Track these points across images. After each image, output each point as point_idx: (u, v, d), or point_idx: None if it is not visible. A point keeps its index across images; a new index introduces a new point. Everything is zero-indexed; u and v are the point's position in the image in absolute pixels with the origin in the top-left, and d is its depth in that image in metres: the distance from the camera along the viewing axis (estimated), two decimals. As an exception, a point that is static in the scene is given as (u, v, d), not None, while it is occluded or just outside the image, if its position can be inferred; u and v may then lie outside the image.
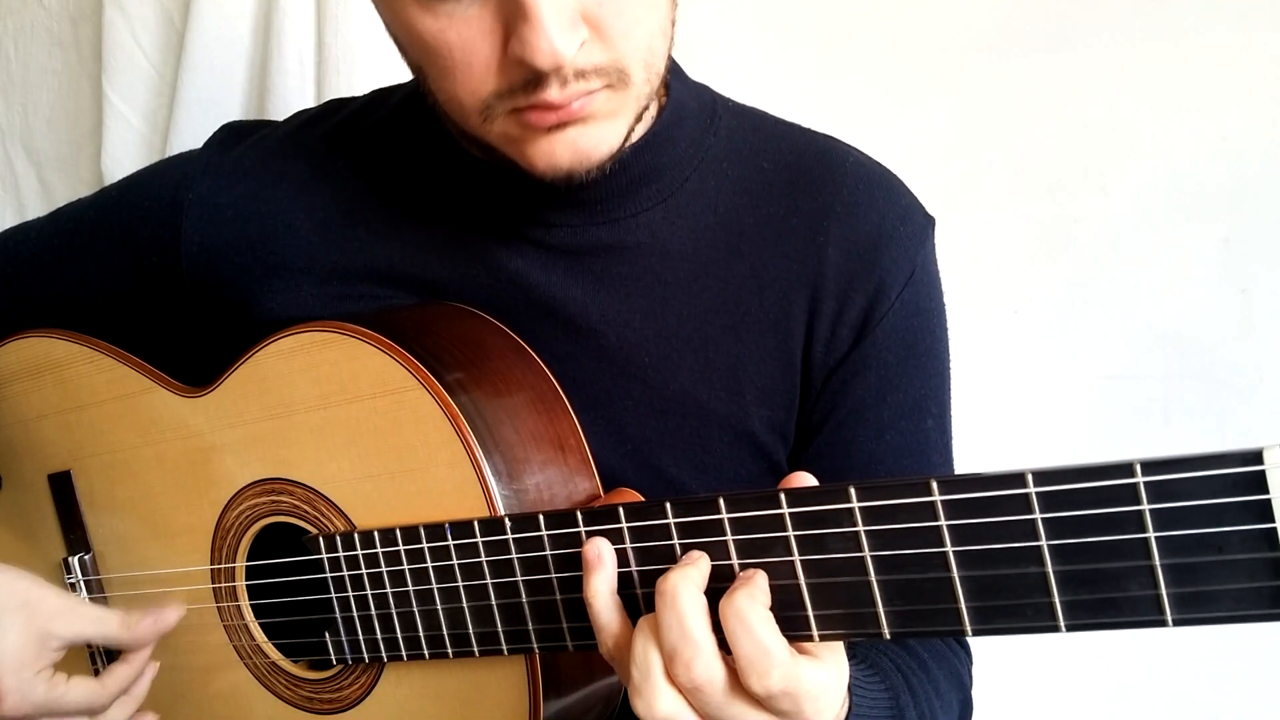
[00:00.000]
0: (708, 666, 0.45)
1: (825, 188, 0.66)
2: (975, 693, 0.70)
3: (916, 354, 0.67)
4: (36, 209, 1.23)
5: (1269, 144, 0.93)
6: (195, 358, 0.72)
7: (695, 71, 0.70)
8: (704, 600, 0.47)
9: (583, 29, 0.52)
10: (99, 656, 0.75)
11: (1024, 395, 1.04)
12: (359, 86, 0.98)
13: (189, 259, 0.70)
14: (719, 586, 0.47)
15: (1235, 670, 1.01)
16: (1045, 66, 0.97)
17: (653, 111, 0.65)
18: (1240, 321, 0.97)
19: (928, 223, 0.69)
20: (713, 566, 0.48)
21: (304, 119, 0.74)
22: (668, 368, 0.66)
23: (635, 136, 0.62)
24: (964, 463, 0.74)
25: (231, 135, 0.74)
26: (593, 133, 0.56)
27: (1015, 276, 1.02)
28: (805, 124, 0.71)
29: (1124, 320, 1.00)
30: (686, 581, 0.46)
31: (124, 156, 1.12)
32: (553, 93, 0.53)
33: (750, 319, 0.65)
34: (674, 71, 0.67)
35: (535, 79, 0.52)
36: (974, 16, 0.98)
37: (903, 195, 0.68)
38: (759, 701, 0.45)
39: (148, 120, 1.13)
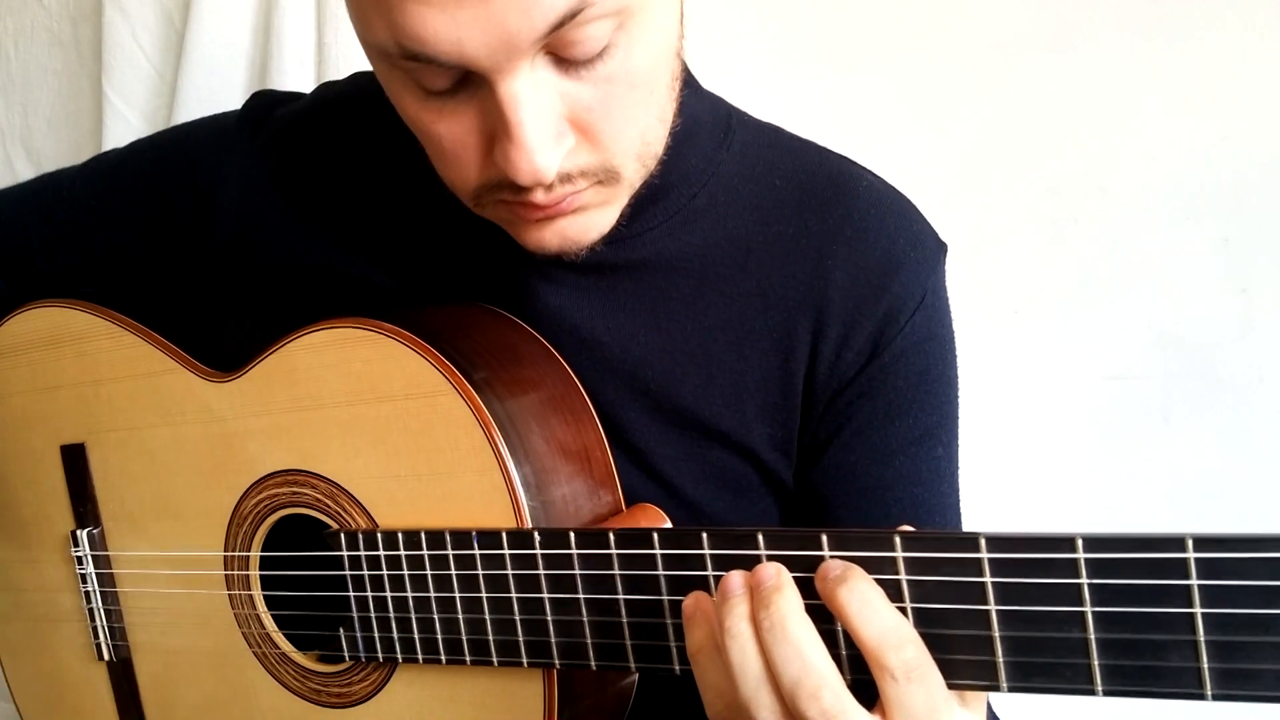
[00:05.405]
0: (836, 696, 0.42)
1: (835, 210, 0.65)
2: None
3: (928, 380, 0.67)
4: (37, 209, 1.24)
5: (1269, 144, 0.93)
6: (224, 325, 0.73)
7: (705, 75, 0.68)
8: (810, 622, 0.44)
9: (569, 137, 0.52)
10: (101, 631, 0.75)
11: (1024, 395, 1.04)
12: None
13: (223, 229, 0.71)
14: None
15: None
16: (1046, 67, 0.97)
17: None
18: (1240, 321, 0.97)
19: (939, 249, 0.68)
20: None
21: (333, 94, 0.74)
22: (671, 382, 0.66)
23: None
24: (963, 464, 0.72)
25: (263, 104, 0.74)
26: (582, 221, 0.57)
27: (1015, 276, 1.02)
28: (810, 122, 0.70)
29: (1124, 320, 1.00)
30: (791, 605, 0.44)
31: (124, 156, 1.13)
32: (538, 196, 0.53)
33: (754, 336, 0.65)
34: (688, 84, 0.65)
35: (518, 185, 0.53)
36: (974, 17, 0.98)
37: (915, 221, 0.68)
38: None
39: (148, 120, 1.14)
